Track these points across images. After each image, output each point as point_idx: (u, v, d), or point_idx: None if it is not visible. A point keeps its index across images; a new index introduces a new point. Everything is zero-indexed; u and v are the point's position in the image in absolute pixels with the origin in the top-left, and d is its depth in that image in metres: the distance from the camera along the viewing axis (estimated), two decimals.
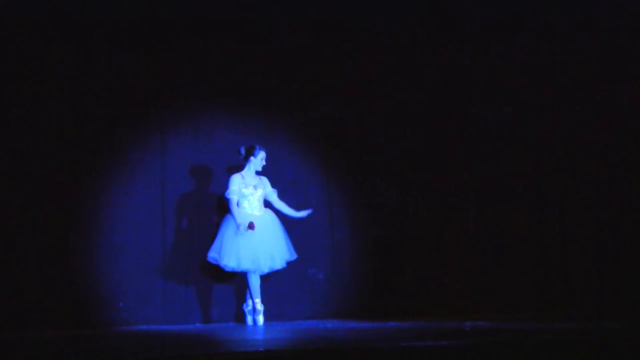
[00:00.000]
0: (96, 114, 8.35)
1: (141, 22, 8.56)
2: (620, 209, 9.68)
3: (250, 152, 8.25)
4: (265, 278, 8.38)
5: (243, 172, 8.26)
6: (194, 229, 8.54)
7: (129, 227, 8.39)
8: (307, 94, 9.00)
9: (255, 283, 8.12)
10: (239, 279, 8.40)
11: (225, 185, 8.19)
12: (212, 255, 8.14)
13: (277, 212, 8.36)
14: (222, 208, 8.36)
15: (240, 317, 8.47)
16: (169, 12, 8.62)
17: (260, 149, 8.26)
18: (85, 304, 8.20)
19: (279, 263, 8.20)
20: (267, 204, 8.36)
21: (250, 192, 8.19)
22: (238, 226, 8.03)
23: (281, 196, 8.49)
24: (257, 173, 8.31)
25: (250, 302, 8.25)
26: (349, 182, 9.08)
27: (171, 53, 8.61)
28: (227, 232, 8.12)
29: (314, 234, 8.86)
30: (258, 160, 8.25)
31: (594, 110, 9.73)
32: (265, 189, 8.29)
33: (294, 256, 8.33)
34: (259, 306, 8.13)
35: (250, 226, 8.03)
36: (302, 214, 8.37)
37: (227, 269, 8.12)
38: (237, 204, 8.14)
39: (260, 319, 8.12)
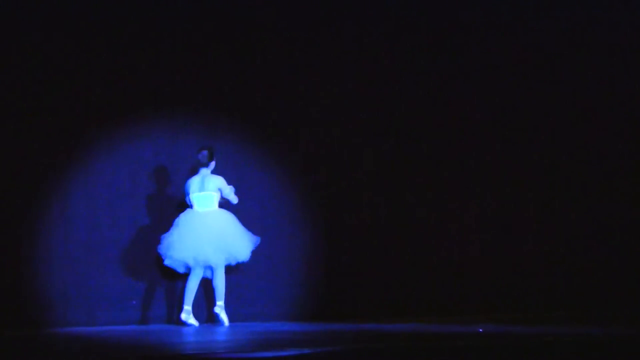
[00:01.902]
0: (94, 114, 8.35)
1: (140, 21, 8.54)
2: (624, 210, 9.67)
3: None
4: (243, 277, 8.45)
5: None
6: None
7: (129, 226, 8.39)
8: (299, 94, 8.97)
9: (189, 287, 8.13)
10: (238, 279, 8.43)
11: (224, 186, 8.26)
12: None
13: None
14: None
15: (242, 317, 8.46)
16: (167, 11, 8.60)
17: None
18: (84, 303, 8.20)
19: (218, 259, 8.10)
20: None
21: (192, 195, 8.24)
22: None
23: (265, 196, 8.62)
24: (214, 172, 8.29)
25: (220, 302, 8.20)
26: (349, 182, 9.04)
27: (170, 53, 8.62)
28: None
29: (312, 231, 8.85)
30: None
31: (594, 110, 9.74)
32: (209, 186, 8.20)
33: (244, 255, 8.21)
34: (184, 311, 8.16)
35: None
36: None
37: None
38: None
39: (187, 319, 8.10)
